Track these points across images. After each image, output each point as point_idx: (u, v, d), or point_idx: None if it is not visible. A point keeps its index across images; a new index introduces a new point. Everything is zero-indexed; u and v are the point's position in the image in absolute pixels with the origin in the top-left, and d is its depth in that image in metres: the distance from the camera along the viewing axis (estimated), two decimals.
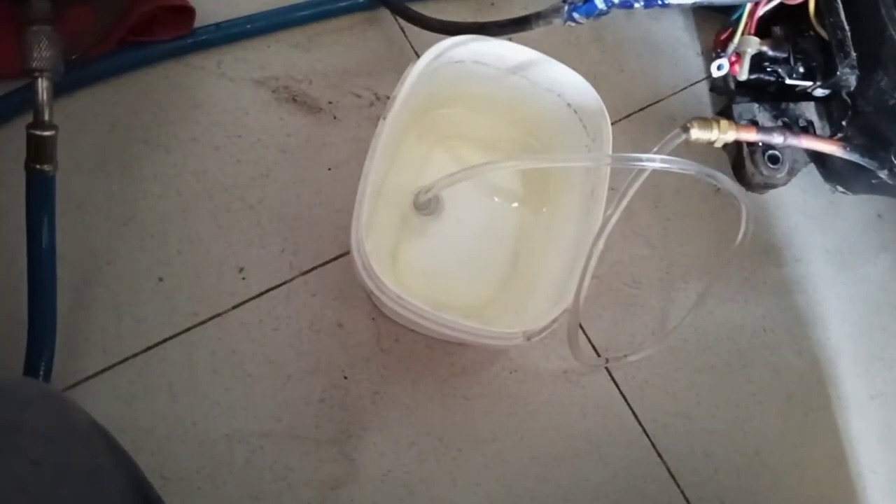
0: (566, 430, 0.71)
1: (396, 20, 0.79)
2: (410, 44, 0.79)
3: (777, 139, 0.60)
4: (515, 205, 0.74)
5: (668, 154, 0.55)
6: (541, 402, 0.71)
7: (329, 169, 0.73)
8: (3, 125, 0.68)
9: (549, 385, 0.71)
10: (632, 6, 0.59)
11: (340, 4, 0.77)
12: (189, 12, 0.71)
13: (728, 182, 0.57)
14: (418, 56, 0.78)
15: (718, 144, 0.57)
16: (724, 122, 0.55)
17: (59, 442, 0.42)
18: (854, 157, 0.64)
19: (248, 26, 0.74)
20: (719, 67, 0.68)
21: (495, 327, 0.59)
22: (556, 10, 0.62)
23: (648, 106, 0.84)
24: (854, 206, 0.86)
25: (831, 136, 0.74)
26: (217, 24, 0.73)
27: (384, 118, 0.62)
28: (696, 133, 0.55)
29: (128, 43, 0.71)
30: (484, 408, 0.69)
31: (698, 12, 0.90)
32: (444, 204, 0.72)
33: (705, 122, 0.55)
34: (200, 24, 0.73)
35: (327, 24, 0.78)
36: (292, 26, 0.76)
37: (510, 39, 0.67)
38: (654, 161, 0.53)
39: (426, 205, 0.70)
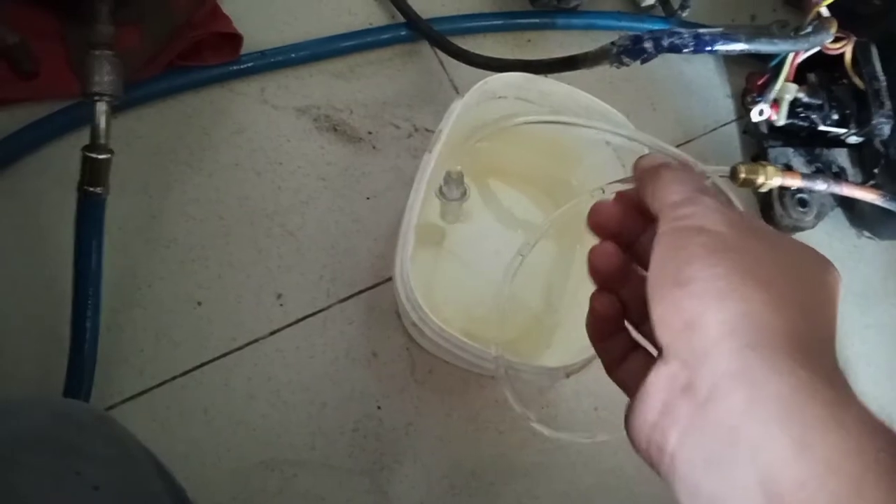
0: (596, 466, 0.70)
1: (436, 53, 0.80)
2: (449, 77, 0.80)
3: (820, 186, 0.61)
4: (550, 240, 0.74)
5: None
6: (572, 441, 0.71)
7: (367, 198, 0.74)
8: (46, 145, 0.68)
9: (582, 420, 0.71)
10: (680, 51, 0.60)
11: (382, 37, 0.78)
12: (237, 39, 0.71)
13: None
14: (457, 89, 0.81)
15: (763, 189, 0.58)
16: (770, 168, 0.56)
17: (116, 467, 0.42)
18: (892, 206, 0.65)
19: (293, 55, 0.75)
20: (761, 112, 0.69)
21: (535, 363, 0.59)
22: (604, 53, 0.62)
23: (680, 145, 0.85)
24: (878, 252, 0.87)
25: (863, 183, 0.75)
26: (262, 52, 0.74)
27: (429, 151, 0.62)
28: (744, 176, 0.55)
29: (174, 66, 0.71)
30: (516, 442, 0.69)
31: (729, 55, 0.92)
32: (470, 191, 0.71)
33: (752, 165, 0.56)
34: (245, 50, 0.73)
35: (369, 56, 0.79)
36: (335, 56, 0.77)
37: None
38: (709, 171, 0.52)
39: (453, 187, 0.68)
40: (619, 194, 0.40)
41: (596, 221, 0.39)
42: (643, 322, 0.37)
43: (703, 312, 0.27)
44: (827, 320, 0.28)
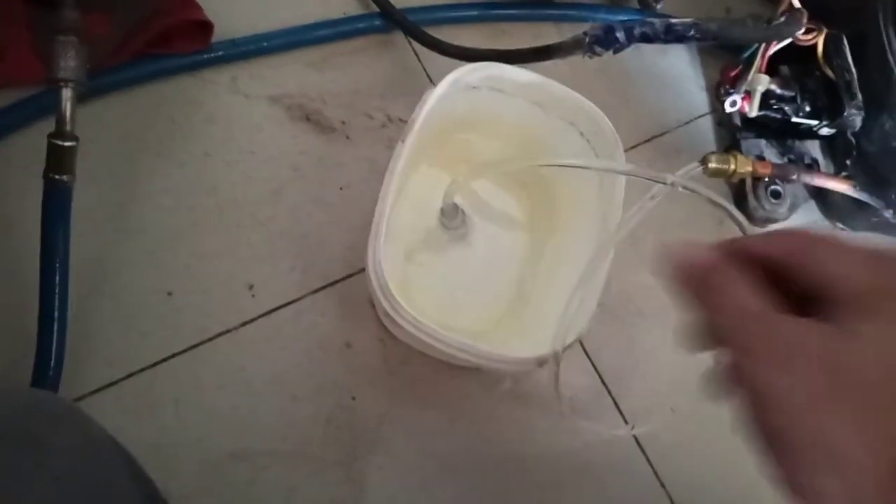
0: (568, 459, 0.71)
1: (410, 44, 0.80)
2: (424, 68, 0.80)
3: (792, 175, 0.61)
4: (523, 230, 0.74)
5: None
6: (545, 430, 0.71)
7: (340, 188, 0.73)
8: (11, 133, 0.67)
9: (555, 412, 0.71)
10: (652, 41, 0.60)
11: (357, 26, 0.78)
12: (208, 27, 0.71)
13: (738, 214, 0.57)
14: (431, 80, 0.80)
15: (735, 179, 0.58)
16: (741, 157, 0.57)
17: (81, 459, 0.41)
18: (863, 197, 0.65)
19: (265, 44, 0.74)
20: (733, 104, 0.69)
21: (508, 352, 0.59)
22: (577, 43, 0.63)
23: (654, 137, 0.85)
24: None
25: (835, 174, 0.76)
26: (233, 40, 0.73)
27: (402, 141, 0.62)
28: (714, 164, 0.56)
29: (143, 54, 0.70)
30: (489, 434, 0.69)
31: (703, 48, 0.92)
32: (471, 224, 0.71)
33: (723, 155, 0.57)
34: (217, 39, 0.72)
35: (343, 45, 0.78)
36: (308, 45, 0.77)
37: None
38: (676, 180, 0.53)
39: (452, 215, 0.69)
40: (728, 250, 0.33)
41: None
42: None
43: None
44: None
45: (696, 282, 0.32)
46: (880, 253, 0.29)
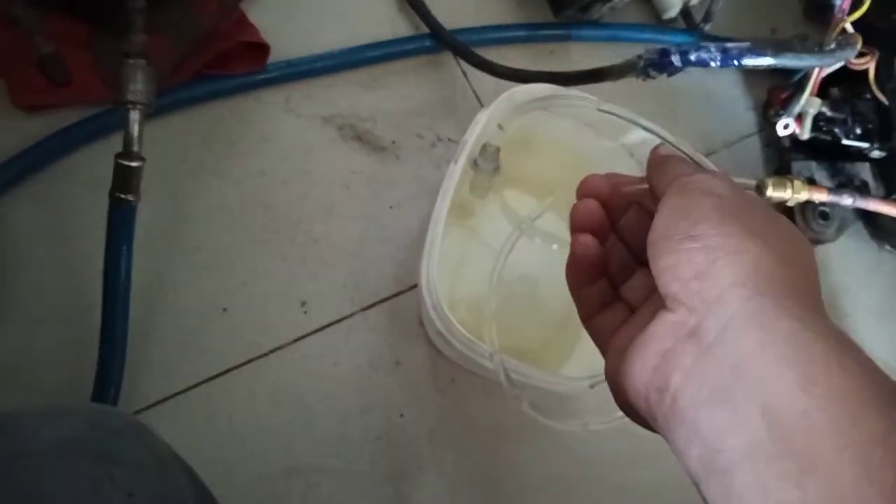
0: (618, 481, 0.71)
1: (459, 64, 0.81)
2: (472, 88, 0.81)
3: (847, 201, 0.61)
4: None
5: None
6: (592, 452, 0.71)
7: (391, 207, 0.74)
8: (75, 151, 0.69)
9: (605, 436, 0.71)
10: (707, 65, 0.60)
11: (407, 47, 0.79)
12: (264, 49, 0.72)
13: None
14: (479, 100, 0.81)
15: (791, 203, 0.58)
16: (797, 183, 0.56)
17: (149, 474, 0.42)
18: None
19: (318, 65, 0.75)
20: (786, 126, 0.69)
21: (561, 374, 0.59)
22: (630, 66, 0.63)
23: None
24: None
25: (885, 196, 0.75)
26: (288, 62, 0.74)
27: (455, 162, 0.62)
28: (771, 192, 0.56)
29: (201, 74, 0.72)
30: (537, 454, 0.69)
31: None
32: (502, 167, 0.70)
33: (780, 180, 0.57)
34: (271, 60, 0.74)
35: (393, 66, 0.79)
36: (359, 66, 0.78)
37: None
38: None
39: (489, 160, 0.67)
40: (613, 183, 0.42)
41: (585, 191, 0.42)
42: (624, 280, 0.40)
43: (714, 262, 0.29)
44: (817, 282, 0.31)
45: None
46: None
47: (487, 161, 0.67)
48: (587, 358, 0.66)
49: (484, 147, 0.66)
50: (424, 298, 0.59)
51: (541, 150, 0.74)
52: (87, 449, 0.40)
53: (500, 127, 0.65)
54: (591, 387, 0.59)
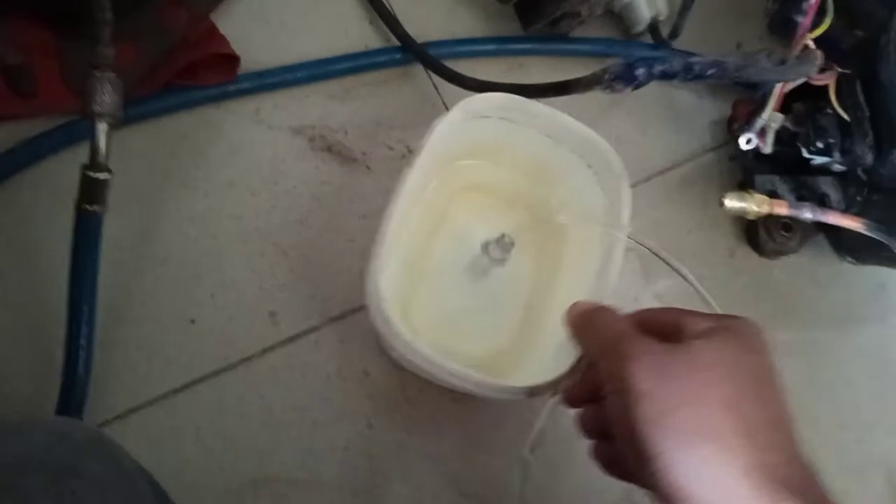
0: (591, 488, 0.71)
1: (430, 77, 0.82)
2: (443, 100, 0.81)
3: (807, 214, 0.62)
4: (532, 261, 0.74)
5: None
6: (563, 458, 0.71)
7: (361, 217, 0.75)
8: (41, 161, 0.68)
9: (576, 441, 0.72)
10: (671, 79, 0.62)
11: (378, 59, 0.79)
12: (234, 60, 0.72)
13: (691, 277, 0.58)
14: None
15: (751, 217, 0.59)
16: (758, 196, 0.58)
17: (112, 488, 0.42)
18: (875, 235, 0.66)
19: (289, 76, 0.75)
20: (748, 141, 0.71)
21: (501, 381, 0.59)
22: (596, 79, 0.64)
23: (667, 170, 0.86)
24: (861, 276, 0.89)
25: (846, 210, 0.77)
26: (258, 73, 0.75)
27: (410, 166, 0.62)
28: (731, 204, 0.57)
29: (170, 85, 0.72)
30: (508, 463, 0.70)
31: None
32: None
33: (740, 195, 0.58)
34: (242, 70, 0.74)
35: (364, 78, 0.80)
36: (330, 78, 0.78)
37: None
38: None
39: (500, 251, 0.69)
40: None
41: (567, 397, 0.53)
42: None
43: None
44: (787, 427, 0.40)
45: (584, 320, 0.48)
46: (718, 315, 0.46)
47: (498, 251, 0.68)
48: (534, 371, 0.66)
49: (502, 237, 0.68)
50: (369, 300, 0.58)
51: (500, 158, 0.75)
52: (49, 464, 0.39)
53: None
54: (531, 395, 0.59)
